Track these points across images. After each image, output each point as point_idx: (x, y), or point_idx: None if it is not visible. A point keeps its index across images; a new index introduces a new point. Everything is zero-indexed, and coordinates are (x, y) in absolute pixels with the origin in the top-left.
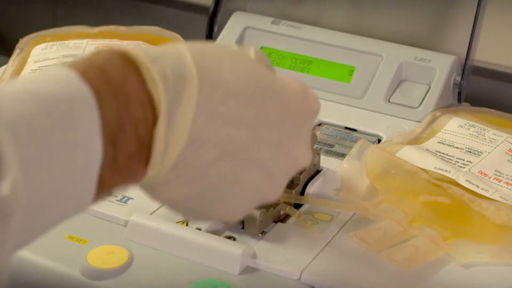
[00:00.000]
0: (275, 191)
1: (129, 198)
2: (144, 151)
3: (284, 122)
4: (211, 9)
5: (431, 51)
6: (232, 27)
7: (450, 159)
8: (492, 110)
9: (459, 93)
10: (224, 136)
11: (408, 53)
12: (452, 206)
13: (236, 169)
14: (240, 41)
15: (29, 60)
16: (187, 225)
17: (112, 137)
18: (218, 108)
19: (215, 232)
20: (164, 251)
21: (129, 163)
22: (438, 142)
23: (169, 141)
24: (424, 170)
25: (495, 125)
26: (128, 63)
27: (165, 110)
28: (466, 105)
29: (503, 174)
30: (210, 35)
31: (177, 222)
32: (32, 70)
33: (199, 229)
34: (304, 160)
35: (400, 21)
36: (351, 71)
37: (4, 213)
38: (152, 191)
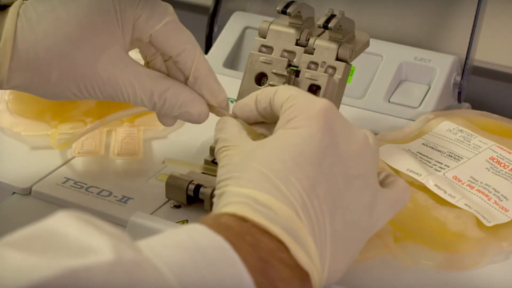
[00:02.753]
0: None
1: (129, 198)
2: None
3: None
4: (211, 9)
5: (431, 51)
6: (232, 27)
7: (429, 161)
8: (493, 115)
9: (459, 93)
10: None
11: (408, 53)
12: (413, 209)
13: None
14: (240, 41)
15: None
16: None
17: None
18: None
19: None
20: None
21: None
22: (422, 143)
23: None
24: (395, 170)
25: (487, 131)
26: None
27: None
28: (466, 105)
29: (477, 181)
30: (210, 35)
31: (177, 222)
32: None
33: None
34: None
35: (400, 21)
36: (351, 71)
37: None
38: None
